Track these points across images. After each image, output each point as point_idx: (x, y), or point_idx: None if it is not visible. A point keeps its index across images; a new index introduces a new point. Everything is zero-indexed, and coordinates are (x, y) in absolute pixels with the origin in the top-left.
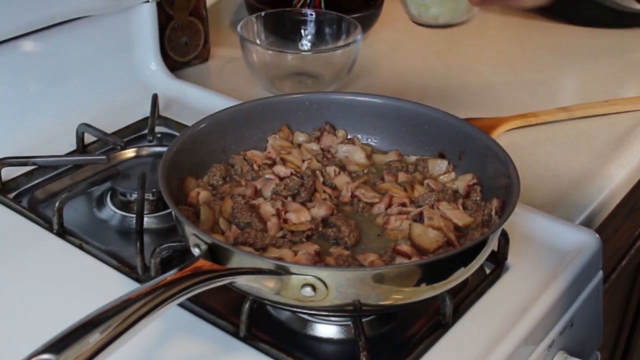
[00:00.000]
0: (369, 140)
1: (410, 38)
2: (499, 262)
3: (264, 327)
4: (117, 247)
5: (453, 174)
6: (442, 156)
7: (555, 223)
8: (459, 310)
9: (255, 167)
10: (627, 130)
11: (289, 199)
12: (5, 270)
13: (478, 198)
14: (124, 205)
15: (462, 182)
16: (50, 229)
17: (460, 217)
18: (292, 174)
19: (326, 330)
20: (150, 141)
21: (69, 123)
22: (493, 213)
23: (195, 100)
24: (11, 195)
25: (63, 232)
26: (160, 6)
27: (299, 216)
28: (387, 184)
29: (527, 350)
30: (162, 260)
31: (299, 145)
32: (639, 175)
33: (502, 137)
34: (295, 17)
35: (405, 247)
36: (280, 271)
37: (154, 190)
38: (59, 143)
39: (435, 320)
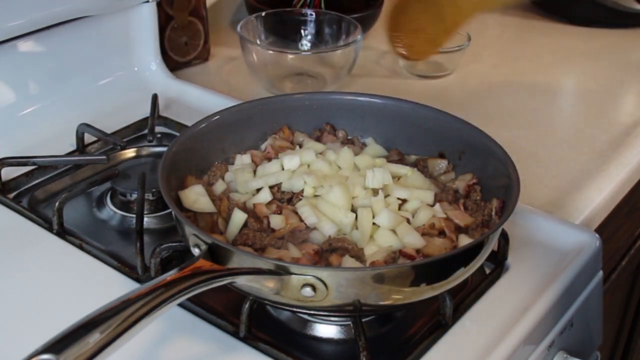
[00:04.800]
0: (369, 140)
1: None
2: (498, 262)
3: (264, 327)
4: (117, 247)
5: (453, 174)
6: (442, 156)
7: (555, 223)
8: (459, 310)
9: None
10: (627, 130)
11: (285, 202)
12: (5, 270)
13: (478, 198)
14: (124, 205)
15: (462, 182)
16: (50, 229)
17: (461, 218)
18: None
19: (326, 330)
20: (150, 141)
21: (69, 123)
22: (493, 213)
23: (195, 101)
24: (11, 195)
25: (63, 232)
26: (160, 6)
27: (283, 220)
28: None
29: (527, 350)
30: (162, 260)
31: (300, 146)
32: (639, 176)
33: (502, 137)
34: (295, 17)
35: (410, 250)
36: (280, 271)
37: (153, 190)
38: (59, 143)
39: (435, 320)
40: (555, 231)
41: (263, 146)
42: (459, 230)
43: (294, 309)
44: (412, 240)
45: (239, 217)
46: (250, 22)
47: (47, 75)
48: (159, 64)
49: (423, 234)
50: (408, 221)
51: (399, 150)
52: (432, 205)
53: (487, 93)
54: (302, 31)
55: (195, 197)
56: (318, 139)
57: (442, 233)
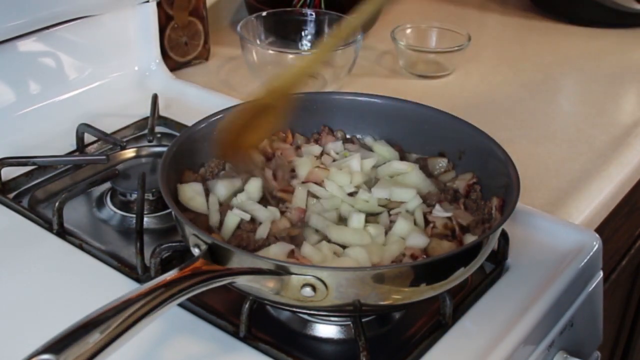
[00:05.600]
0: (369, 140)
1: None
2: (498, 262)
3: (264, 327)
4: (117, 247)
5: (453, 173)
6: (442, 156)
7: (555, 223)
8: (459, 310)
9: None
10: (627, 130)
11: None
12: (5, 270)
13: (478, 197)
14: (124, 205)
15: (462, 182)
16: (50, 229)
17: (463, 217)
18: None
19: (326, 330)
20: (150, 141)
21: (69, 123)
22: (493, 211)
23: (195, 100)
24: (11, 195)
25: (63, 232)
26: (160, 6)
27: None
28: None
29: (527, 350)
30: (162, 260)
31: (298, 148)
32: (639, 175)
33: (502, 137)
34: (295, 17)
35: (417, 252)
36: (280, 271)
37: (153, 190)
38: (58, 143)
39: (435, 320)
40: (555, 231)
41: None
42: (462, 230)
43: (294, 309)
44: (417, 242)
45: (232, 220)
46: (250, 22)
47: (47, 75)
48: (159, 64)
49: (432, 235)
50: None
51: (400, 147)
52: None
53: (487, 93)
54: (302, 31)
55: (193, 194)
56: (317, 141)
57: (448, 235)
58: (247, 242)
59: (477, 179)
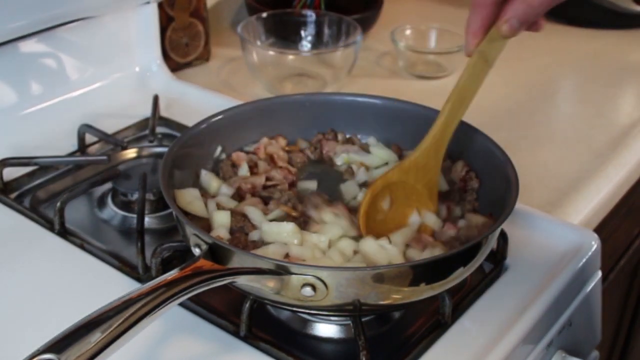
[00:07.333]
0: (371, 140)
1: None
2: (497, 261)
3: (265, 327)
4: (118, 247)
5: (448, 162)
6: None
7: (554, 223)
8: (458, 309)
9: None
10: (625, 130)
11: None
12: (6, 270)
13: (476, 186)
14: (125, 205)
15: (455, 174)
16: (51, 229)
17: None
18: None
19: (326, 329)
20: (151, 142)
21: (70, 124)
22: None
23: (196, 101)
24: (13, 196)
25: (64, 232)
26: (161, 7)
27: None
28: None
29: (526, 349)
30: (163, 260)
31: (302, 151)
32: (638, 176)
33: (501, 137)
34: (296, 18)
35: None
36: (280, 271)
37: (154, 190)
38: (60, 143)
39: (435, 319)
40: (554, 231)
41: (256, 145)
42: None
43: (294, 309)
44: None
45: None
46: (251, 23)
47: (49, 75)
48: (159, 65)
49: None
50: None
51: (398, 146)
52: None
53: (486, 94)
54: (302, 32)
55: (191, 198)
56: (318, 142)
57: None
58: (244, 244)
59: (468, 166)
